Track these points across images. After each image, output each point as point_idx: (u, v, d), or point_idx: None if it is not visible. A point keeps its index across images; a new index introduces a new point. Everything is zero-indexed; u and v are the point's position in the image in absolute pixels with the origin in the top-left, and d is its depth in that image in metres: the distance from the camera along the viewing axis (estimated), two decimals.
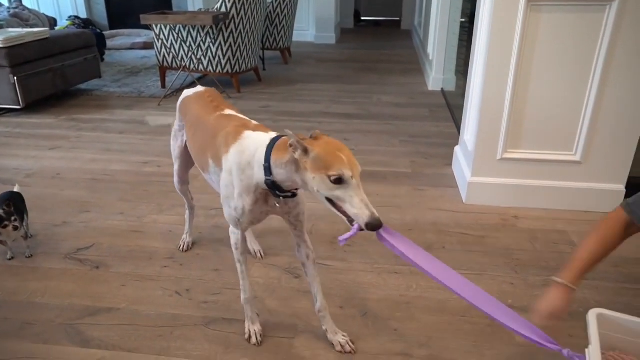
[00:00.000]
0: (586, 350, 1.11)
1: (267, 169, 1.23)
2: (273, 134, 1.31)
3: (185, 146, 1.81)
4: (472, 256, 2.02)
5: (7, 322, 1.65)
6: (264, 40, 5.81)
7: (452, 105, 4.17)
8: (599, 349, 1.09)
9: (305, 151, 1.15)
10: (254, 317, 1.57)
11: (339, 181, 1.12)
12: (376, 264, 1.97)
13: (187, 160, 1.87)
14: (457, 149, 2.84)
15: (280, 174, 1.22)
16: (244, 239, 1.47)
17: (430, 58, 4.99)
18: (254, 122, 1.45)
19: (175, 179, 1.95)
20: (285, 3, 5.66)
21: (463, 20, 4.49)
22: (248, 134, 1.33)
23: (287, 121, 3.80)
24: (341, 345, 1.51)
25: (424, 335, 1.58)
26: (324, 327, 1.55)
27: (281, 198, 1.30)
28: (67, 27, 7.08)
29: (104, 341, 1.56)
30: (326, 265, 1.96)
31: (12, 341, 1.56)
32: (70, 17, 7.86)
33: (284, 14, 5.73)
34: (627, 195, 2.39)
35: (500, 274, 1.90)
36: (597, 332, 1.14)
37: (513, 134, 2.31)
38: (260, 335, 1.55)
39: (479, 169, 2.40)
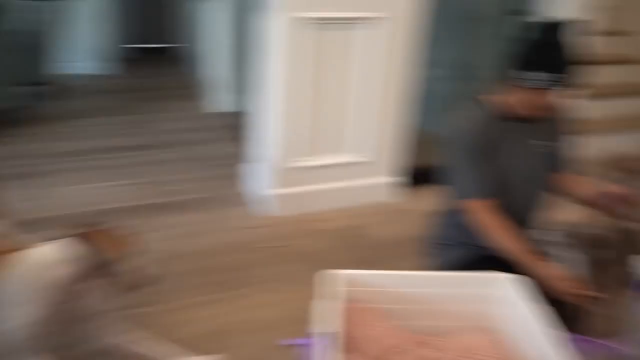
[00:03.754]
0: None
1: None
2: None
3: None
4: (283, 266, 2.05)
5: None
6: (18, 73, 5.04)
7: (240, 124, 4.23)
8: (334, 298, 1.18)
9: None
10: None
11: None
12: (191, 297, 1.85)
13: None
14: (251, 165, 2.88)
15: None
16: None
17: (214, 80, 5.00)
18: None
19: None
20: (43, 28, 5.01)
21: (241, 42, 4.59)
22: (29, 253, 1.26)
23: (72, 162, 3.35)
24: None
25: (251, 359, 1.54)
26: None
27: None
28: None
29: None
30: (138, 312, 1.76)
31: None
32: None
33: (40, 41, 5.07)
34: (413, 184, 2.73)
35: (311, 277, 1.97)
36: (337, 286, 1.23)
37: (305, 144, 2.44)
38: None
39: (276, 182, 2.47)
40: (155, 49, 10.22)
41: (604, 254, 1.26)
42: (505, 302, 1.33)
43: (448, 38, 3.63)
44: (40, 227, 1.57)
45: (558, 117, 1.46)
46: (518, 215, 1.55)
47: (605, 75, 3.76)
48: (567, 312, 1.40)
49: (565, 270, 1.30)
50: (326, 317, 1.13)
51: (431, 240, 1.80)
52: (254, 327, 1.69)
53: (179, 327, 1.69)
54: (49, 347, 1.27)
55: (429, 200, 2.64)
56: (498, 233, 1.48)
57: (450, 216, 1.70)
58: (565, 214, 1.56)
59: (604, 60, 3.90)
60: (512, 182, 1.53)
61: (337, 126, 2.45)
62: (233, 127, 4.17)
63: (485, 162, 1.49)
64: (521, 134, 1.49)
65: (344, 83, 2.37)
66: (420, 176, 2.81)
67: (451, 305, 1.37)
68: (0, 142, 3.95)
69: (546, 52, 1.33)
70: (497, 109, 1.49)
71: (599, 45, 4.09)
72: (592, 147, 1.66)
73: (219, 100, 4.78)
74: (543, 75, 1.33)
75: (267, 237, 2.29)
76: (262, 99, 2.60)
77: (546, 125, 1.48)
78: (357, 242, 2.26)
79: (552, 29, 1.33)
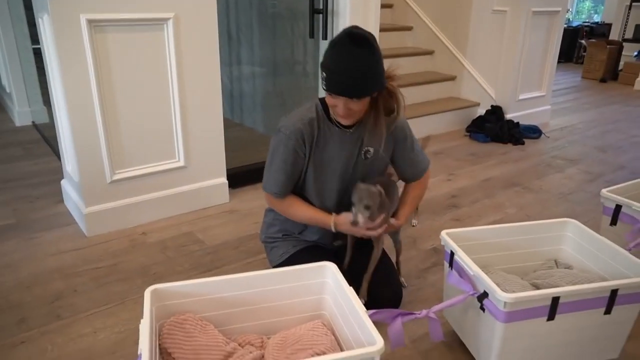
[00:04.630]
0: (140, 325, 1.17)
1: None
2: None
3: None
4: (109, 287, 1.92)
5: None
6: None
7: (49, 138, 3.82)
8: (148, 318, 1.18)
9: None
10: None
11: None
12: (3, 339, 1.63)
13: None
14: (63, 182, 2.63)
15: None
16: None
17: (8, 91, 4.40)
18: None
19: None
20: None
21: (36, 47, 4.12)
22: None
23: None
24: None
25: None
26: None
27: None
28: None
29: None
30: None
31: None
32: None
33: None
34: (238, 184, 2.76)
35: (141, 295, 1.88)
36: (148, 305, 1.23)
37: (115, 156, 2.29)
38: None
39: (92, 198, 2.29)
40: None
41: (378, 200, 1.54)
42: (331, 288, 1.43)
43: (265, 36, 3.73)
44: None
45: (381, 126, 1.56)
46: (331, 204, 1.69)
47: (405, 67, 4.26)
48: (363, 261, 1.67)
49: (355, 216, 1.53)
50: (142, 336, 1.10)
51: (262, 238, 1.85)
52: (89, 356, 1.56)
53: None
54: None
55: (255, 198, 2.73)
56: (293, 209, 1.65)
57: (275, 212, 1.77)
58: None
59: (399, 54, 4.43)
60: (328, 181, 1.65)
61: (147, 133, 2.34)
62: (44, 140, 3.75)
63: (299, 160, 1.58)
64: (341, 137, 1.59)
65: (144, 86, 2.27)
66: (244, 175, 2.85)
67: (286, 300, 1.43)
68: None
69: (338, 59, 1.38)
70: (324, 110, 1.58)
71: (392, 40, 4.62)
72: None
73: (21, 112, 4.24)
74: (333, 82, 1.40)
75: (90, 259, 2.12)
76: (55, 110, 2.38)
77: (369, 132, 1.58)
78: (189, 250, 2.21)
79: (348, 40, 1.36)
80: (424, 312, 1.38)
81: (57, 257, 2.14)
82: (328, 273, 1.43)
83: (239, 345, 1.34)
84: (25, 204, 2.68)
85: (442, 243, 1.57)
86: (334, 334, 1.38)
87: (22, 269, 2.05)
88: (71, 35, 2.01)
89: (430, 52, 4.71)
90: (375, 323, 1.16)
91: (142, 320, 1.16)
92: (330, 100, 1.47)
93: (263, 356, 1.30)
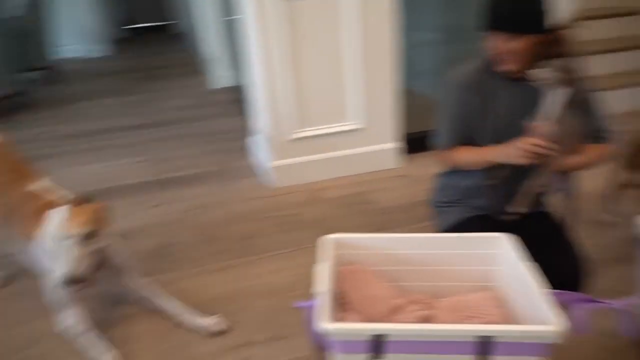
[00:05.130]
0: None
1: None
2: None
3: None
4: (290, 234, 2.12)
5: None
6: (18, 60, 5.08)
7: (242, 99, 4.26)
8: (327, 262, 1.28)
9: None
10: (100, 346, 1.48)
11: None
12: (202, 265, 1.93)
13: None
14: (254, 138, 2.93)
15: None
16: (82, 317, 1.52)
17: (213, 56, 5.00)
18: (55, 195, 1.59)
19: None
20: (37, 14, 5.03)
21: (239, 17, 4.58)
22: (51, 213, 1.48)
23: (68, 145, 3.43)
24: (212, 326, 1.57)
25: (260, 320, 1.62)
26: (192, 323, 1.59)
27: None
28: None
29: None
30: (155, 279, 1.84)
31: None
32: None
33: (37, 27, 5.09)
34: (412, 149, 2.76)
35: (315, 244, 2.03)
36: (329, 250, 1.33)
37: (299, 115, 2.47)
38: None
39: (278, 153, 2.52)
40: (153, 27, 10.18)
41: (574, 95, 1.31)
42: (505, 261, 1.38)
43: (436, 2, 3.61)
44: None
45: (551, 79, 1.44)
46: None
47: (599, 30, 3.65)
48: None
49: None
50: (320, 279, 1.20)
51: (432, 203, 1.85)
52: (264, 291, 1.77)
53: (192, 292, 1.77)
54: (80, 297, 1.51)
55: (429, 165, 2.70)
56: (460, 157, 1.58)
57: (446, 177, 1.74)
58: None
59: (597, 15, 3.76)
60: (502, 135, 1.55)
61: (327, 95, 2.47)
62: (238, 102, 4.20)
63: (470, 113, 1.52)
64: (511, 90, 1.50)
65: (326, 51, 2.38)
66: (419, 141, 2.83)
67: (454, 266, 1.42)
68: (4, 128, 4.01)
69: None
70: (489, 64, 1.51)
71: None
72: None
73: (220, 76, 4.79)
74: (492, 16, 1.34)
75: (275, 207, 2.36)
76: (249, 73, 2.62)
77: (535, 87, 1.48)
78: (362, 209, 2.31)
79: None
80: (619, 302, 1.24)
81: (247, 203, 2.42)
82: (502, 244, 1.38)
83: (409, 301, 1.38)
84: (223, 155, 3.06)
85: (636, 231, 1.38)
86: (505, 308, 1.34)
87: (218, 210, 2.37)
88: (261, 4, 2.21)
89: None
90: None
91: (319, 265, 1.26)
92: (491, 43, 1.39)
93: (430, 316, 1.32)
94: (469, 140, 1.58)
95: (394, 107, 2.62)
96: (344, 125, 2.56)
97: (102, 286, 1.59)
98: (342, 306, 1.36)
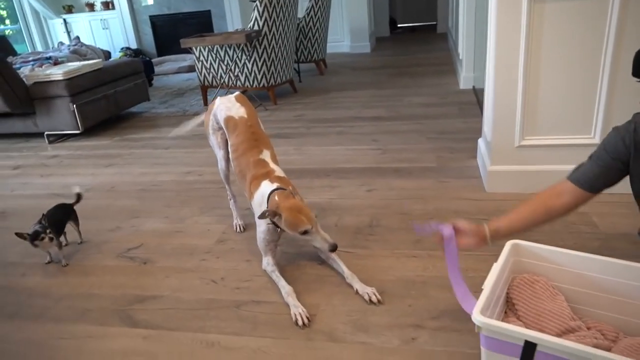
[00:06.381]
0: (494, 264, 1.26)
1: None
2: (274, 186, 1.88)
3: (226, 140, 2.25)
4: None
5: (70, 309, 1.91)
6: (299, 53, 6.05)
7: (481, 102, 4.22)
8: (502, 264, 1.31)
9: (277, 215, 1.76)
10: (296, 304, 1.76)
11: (304, 233, 1.75)
12: (396, 249, 2.09)
13: (228, 151, 2.27)
14: (479, 141, 2.92)
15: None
16: (273, 262, 1.96)
17: (461, 57, 5.05)
18: (276, 171, 2.00)
19: (222, 164, 2.33)
20: (317, 17, 5.90)
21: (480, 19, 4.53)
22: (264, 184, 1.92)
23: (319, 127, 3.99)
24: (368, 295, 1.77)
25: (436, 310, 1.70)
26: (354, 288, 1.82)
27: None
28: (120, 57, 7.64)
29: (150, 322, 1.78)
30: (349, 252, 2.10)
31: (75, 324, 1.81)
32: (122, 48, 8.47)
33: (316, 27, 5.96)
34: None
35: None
36: (506, 254, 1.36)
37: (528, 122, 2.38)
38: (307, 318, 1.71)
39: (498, 158, 2.48)
40: (420, 27, 10.61)
41: None
42: None
43: None
44: (289, 176, 2.04)
45: None
46: None
47: None
48: None
49: None
50: (490, 276, 1.22)
51: None
52: (445, 285, 1.83)
53: (377, 271, 1.95)
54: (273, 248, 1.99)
55: None
56: None
57: None
58: None
59: None
60: None
61: (561, 105, 2.30)
62: (478, 104, 4.19)
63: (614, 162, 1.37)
64: None
65: (565, 58, 2.21)
66: None
67: None
68: (274, 108, 4.87)
69: None
70: None
71: None
72: None
73: (466, 76, 4.81)
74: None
75: (480, 210, 2.35)
76: (486, 77, 2.61)
77: None
78: (578, 229, 2.12)
79: None
80: None
81: (455, 202, 2.47)
82: None
83: (587, 327, 1.29)
84: (447, 153, 3.15)
85: None
86: None
87: (430, 203, 2.49)
88: (511, 5, 2.18)
89: None
90: None
91: (494, 264, 1.29)
92: None
93: (606, 348, 1.20)
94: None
95: None
96: (579, 138, 2.35)
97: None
98: (505, 310, 1.35)
